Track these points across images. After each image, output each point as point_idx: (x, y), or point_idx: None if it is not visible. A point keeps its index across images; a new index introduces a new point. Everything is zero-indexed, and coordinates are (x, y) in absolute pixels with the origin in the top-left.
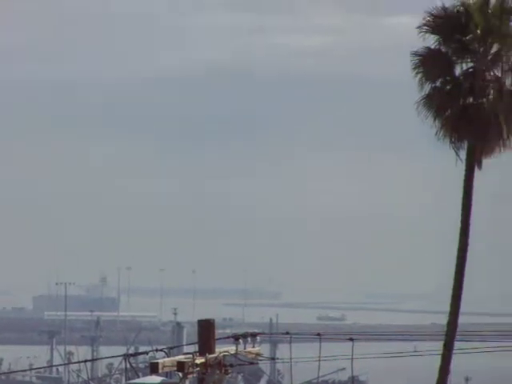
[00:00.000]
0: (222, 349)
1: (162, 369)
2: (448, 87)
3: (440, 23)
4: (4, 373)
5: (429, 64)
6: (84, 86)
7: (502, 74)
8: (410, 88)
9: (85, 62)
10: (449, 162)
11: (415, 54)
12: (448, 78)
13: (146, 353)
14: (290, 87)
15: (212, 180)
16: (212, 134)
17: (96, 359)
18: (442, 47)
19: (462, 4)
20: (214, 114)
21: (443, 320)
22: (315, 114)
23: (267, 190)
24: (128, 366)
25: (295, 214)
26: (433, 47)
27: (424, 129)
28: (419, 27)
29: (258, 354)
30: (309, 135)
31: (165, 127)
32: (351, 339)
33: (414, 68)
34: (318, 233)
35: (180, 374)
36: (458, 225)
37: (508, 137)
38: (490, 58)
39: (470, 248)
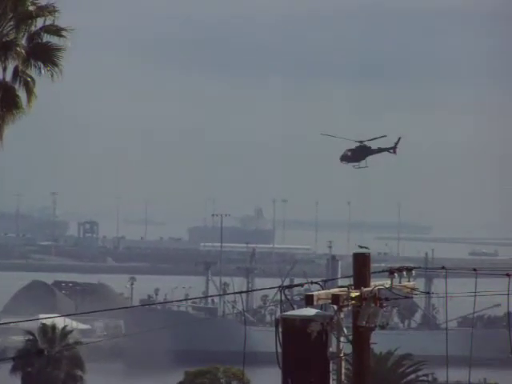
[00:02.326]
0: (377, 282)
1: (317, 301)
2: None
3: None
4: (160, 303)
5: None
6: None
7: None
8: None
9: None
10: None
11: None
12: None
13: (301, 285)
14: None
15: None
16: None
17: (251, 290)
18: None
19: None
20: None
21: None
22: None
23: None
24: (283, 297)
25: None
26: None
27: None
28: None
29: (413, 289)
30: None
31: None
32: (507, 275)
33: None
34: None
35: (335, 307)
36: None
37: None
38: None
39: None
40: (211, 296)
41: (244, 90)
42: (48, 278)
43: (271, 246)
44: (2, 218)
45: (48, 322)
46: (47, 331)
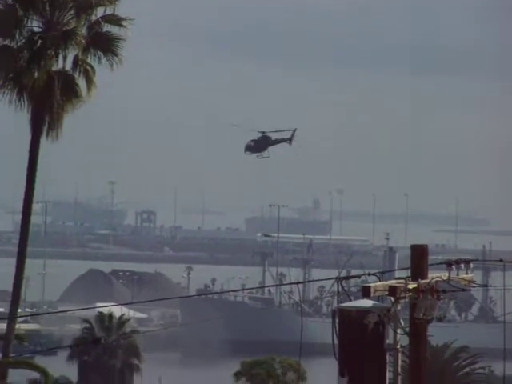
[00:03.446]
0: (435, 275)
1: (374, 293)
2: None
3: None
4: (216, 292)
5: None
6: None
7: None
8: None
9: None
10: None
11: None
12: None
13: (358, 276)
14: None
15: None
16: None
17: (308, 281)
18: None
19: None
20: None
21: None
22: None
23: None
24: (340, 289)
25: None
26: None
27: None
28: None
29: (470, 281)
30: None
31: None
32: None
33: None
34: None
35: (392, 299)
36: None
37: None
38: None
39: None
40: (268, 286)
41: (294, 78)
42: (105, 266)
43: (328, 237)
44: (60, 206)
45: (105, 310)
46: (104, 320)
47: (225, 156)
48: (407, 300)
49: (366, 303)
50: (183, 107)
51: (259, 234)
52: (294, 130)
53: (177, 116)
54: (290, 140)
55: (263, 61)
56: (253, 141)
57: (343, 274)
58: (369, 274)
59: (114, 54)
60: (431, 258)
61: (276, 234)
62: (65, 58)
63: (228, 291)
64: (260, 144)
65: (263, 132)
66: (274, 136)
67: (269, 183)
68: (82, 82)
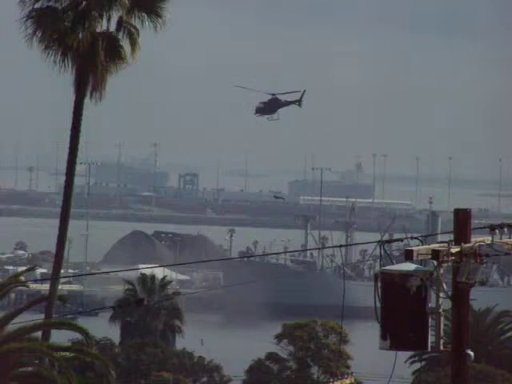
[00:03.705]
0: (478, 239)
1: (417, 256)
2: None
3: None
4: (259, 255)
5: None
6: None
7: None
8: None
9: None
10: None
11: None
12: None
13: (401, 240)
14: None
15: None
16: None
17: (350, 244)
18: None
19: None
20: None
21: None
22: None
23: None
24: (382, 252)
25: None
26: None
27: None
28: None
29: None
30: None
31: None
32: None
33: None
34: None
35: (434, 263)
36: None
37: None
38: None
39: None
40: (310, 249)
41: (341, 45)
42: (148, 228)
43: (371, 200)
44: (104, 168)
45: (147, 272)
46: (146, 281)
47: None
48: (450, 264)
49: (409, 267)
50: (226, 69)
51: (302, 197)
52: (303, 92)
53: (219, 79)
54: (299, 102)
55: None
56: (262, 103)
57: (386, 237)
58: (411, 238)
59: (158, 15)
60: (474, 222)
61: (319, 197)
62: (109, 19)
63: (270, 254)
64: (269, 106)
65: (273, 94)
66: (283, 98)
67: (312, 147)
68: (125, 44)
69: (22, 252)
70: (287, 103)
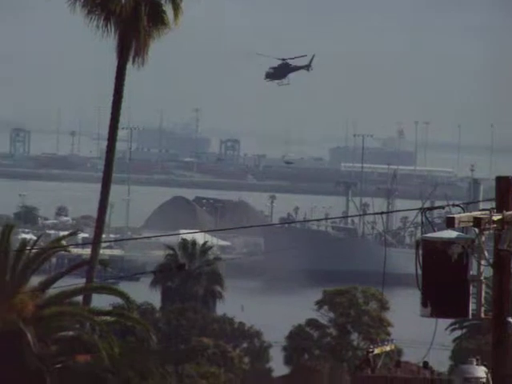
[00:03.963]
0: None
1: (458, 224)
2: None
3: None
4: (299, 221)
5: None
6: None
7: None
8: None
9: None
10: None
11: None
12: None
13: (442, 207)
14: None
15: None
16: None
17: (391, 211)
18: None
19: None
20: None
21: None
22: None
23: None
24: (424, 219)
25: None
26: None
27: None
28: None
29: None
30: None
31: None
32: None
33: None
34: None
35: (476, 230)
36: None
37: None
38: None
39: None
40: (351, 216)
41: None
42: (189, 194)
43: (412, 168)
44: (145, 133)
45: (188, 237)
46: (187, 247)
47: (311, 83)
48: (491, 231)
49: (450, 234)
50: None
51: (343, 164)
52: (313, 56)
53: (263, 45)
54: (308, 66)
55: None
56: (272, 68)
57: (427, 204)
58: (453, 205)
59: None
60: None
61: (360, 164)
62: None
63: (311, 220)
64: (279, 71)
65: (283, 59)
66: (293, 63)
67: (353, 113)
68: (168, 9)
69: (67, 218)
70: (296, 68)
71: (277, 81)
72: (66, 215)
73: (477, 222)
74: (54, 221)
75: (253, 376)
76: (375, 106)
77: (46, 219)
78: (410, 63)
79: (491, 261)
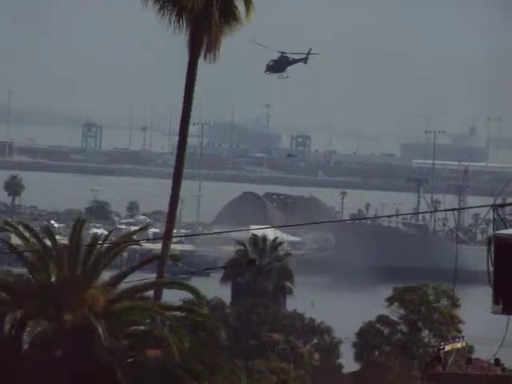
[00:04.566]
0: None
1: None
2: None
3: None
4: (370, 218)
5: None
6: None
7: None
8: None
9: None
10: None
11: None
12: None
13: None
14: None
15: None
16: None
17: (463, 208)
18: None
19: None
20: None
21: None
22: None
23: None
24: (496, 216)
25: None
26: None
27: None
28: None
29: None
30: None
31: None
32: None
33: None
34: None
35: None
36: None
37: None
38: None
39: None
40: (422, 212)
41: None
42: (259, 189)
43: (484, 164)
44: (216, 128)
45: (259, 233)
46: (258, 242)
47: (384, 79)
48: None
49: None
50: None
51: (414, 160)
52: (309, 50)
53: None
54: (305, 59)
55: None
56: (273, 61)
57: (499, 201)
58: None
59: None
60: None
61: (431, 161)
62: None
63: (382, 216)
64: (279, 64)
65: (282, 52)
66: (291, 56)
67: (424, 109)
68: (240, 4)
69: (144, 217)
70: (294, 61)
71: (277, 74)
72: (137, 209)
73: None
74: (131, 220)
75: (323, 372)
76: (447, 103)
77: (118, 216)
78: (483, 58)
79: None
